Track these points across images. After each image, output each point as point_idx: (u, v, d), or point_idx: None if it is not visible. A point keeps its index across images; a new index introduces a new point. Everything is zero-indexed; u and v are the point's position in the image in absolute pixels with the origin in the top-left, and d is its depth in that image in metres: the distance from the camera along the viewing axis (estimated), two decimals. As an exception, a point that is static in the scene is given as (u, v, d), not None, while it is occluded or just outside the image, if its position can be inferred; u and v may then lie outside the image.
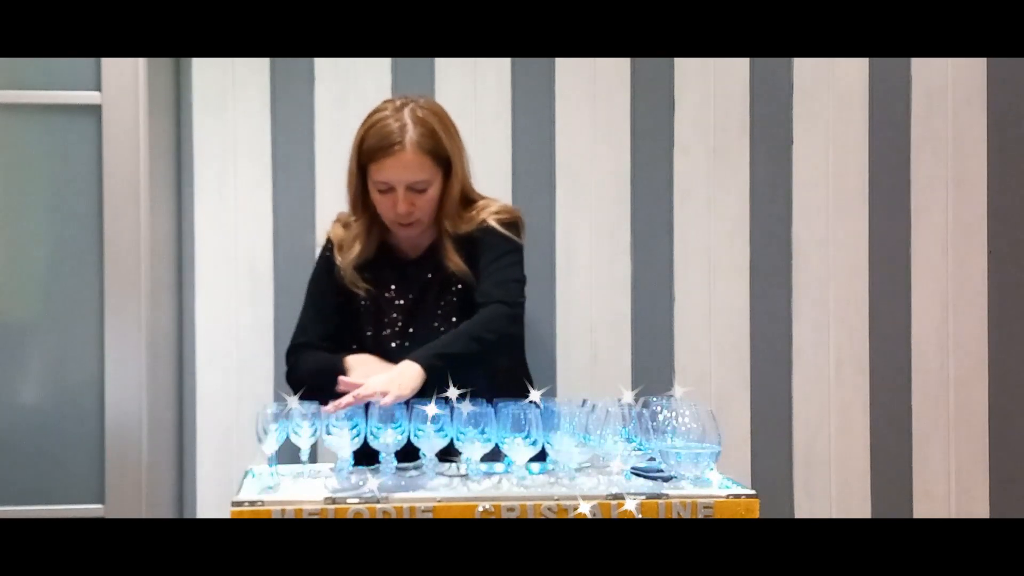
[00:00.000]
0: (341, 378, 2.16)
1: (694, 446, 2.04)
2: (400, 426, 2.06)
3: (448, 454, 2.11)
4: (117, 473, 2.65)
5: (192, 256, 2.92)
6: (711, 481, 2.05)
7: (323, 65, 2.93)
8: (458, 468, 2.12)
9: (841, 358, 3.02)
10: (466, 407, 2.03)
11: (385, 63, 2.93)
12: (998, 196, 3.03)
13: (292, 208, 2.94)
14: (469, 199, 2.49)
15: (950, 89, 3.02)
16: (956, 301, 3.03)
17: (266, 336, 2.94)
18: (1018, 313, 3.05)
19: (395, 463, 2.10)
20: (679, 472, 2.04)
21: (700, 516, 1.95)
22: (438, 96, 2.87)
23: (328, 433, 2.08)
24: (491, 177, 2.80)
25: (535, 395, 2.03)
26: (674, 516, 1.94)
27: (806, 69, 3.00)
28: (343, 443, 2.07)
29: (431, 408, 2.03)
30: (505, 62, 2.95)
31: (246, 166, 2.93)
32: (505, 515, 1.93)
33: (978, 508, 3.04)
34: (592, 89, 2.97)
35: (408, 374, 2.16)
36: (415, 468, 2.13)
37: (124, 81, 2.63)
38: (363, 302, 2.47)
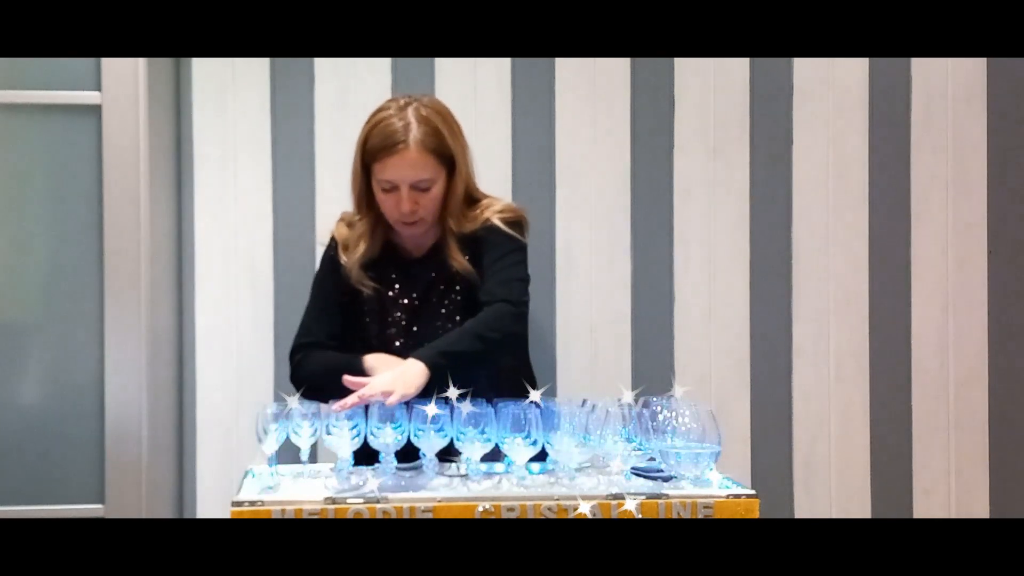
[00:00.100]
0: (346, 377, 2.17)
1: (694, 446, 2.04)
2: (400, 426, 2.06)
3: (448, 454, 2.11)
4: (117, 473, 2.65)
5: (192, 256, 2.92)
6: (711, 481, 2.05)
7: (323, 65, 2.93)
8: (458, 468, 2.12)
9: (841, 358, 3.02)
10: (466, 407, 2.02)
11: (385, 63, 2.93)
12: (998, 196, 3.03)
13: (292, 208, 2.94)
14: (473, 198, 2.49)
15: (950, 89, 3.02)
16: (956, 301, 3.03)
17: (266, 336, 2.94)
18: (1018, 313, 3.05)
19: (395, 463, 2.09)
20: (679, 472, 2.04)
21: (700, 516, 1.95)
22: (438, 96, 2.87)
23: (328, 433, 2.08)
24: (491, 177, 2.80)
25: (535, 395, 2.03)
26: (674, 516, 1.94)
27: (806, 69, 3.00)
28: (343, 443, 2.07)
29: (431, 408, 2.03)
30: (505, 62, 2.95)
31: (246, 166, 2.93)
32: (505, 515, 1.93)
33: (978, 508, 3.04)
34: (592, 89, 2.98)
35: (412, 372, 2.16)
36: (415, 468, 2.13)
37: (124, 81, 2.63)
38: (367, 301, 2.47)
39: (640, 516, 1.93)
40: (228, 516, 1.93)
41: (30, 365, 2.68)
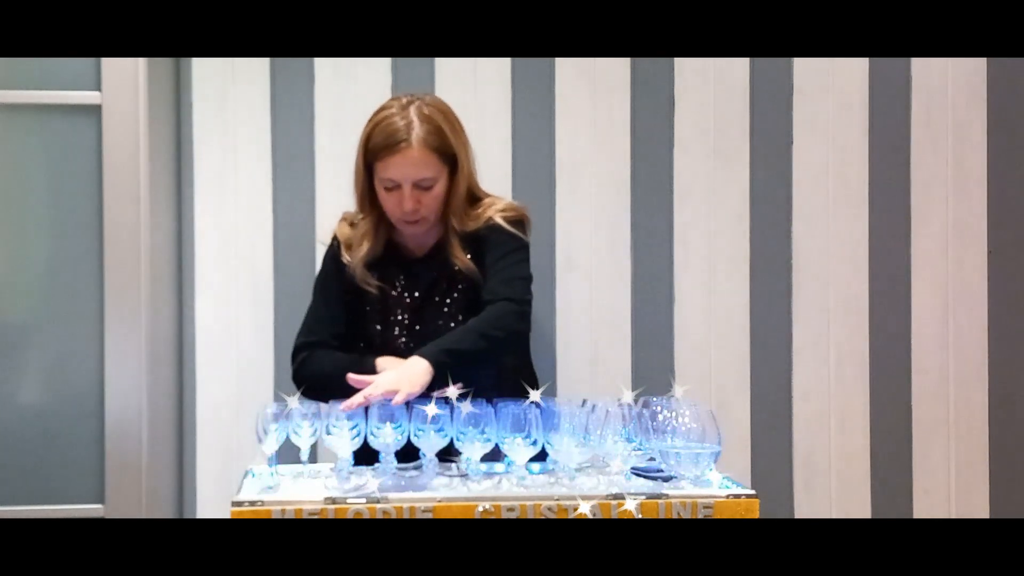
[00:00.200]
0: (351, 375, 2.17)
1: (694, 446, 2.04)
2: (400, 426, 2.06)
3: (448, 454, 2.11)
4: (117, 473, 2.65)
5: (192, 256, 2.92)
6: (711, 481, 2.05)
7: (323, 65, 2.93)
8: (458, 468, 2.12)
9: (841, 358, 3.02)
10: (466, 407, 2.02)
11: (385, 63, 2.93)
12: (998, 196, 3.03)
13: (292, 208, 2.94)
14: (475, 197, 2.49)
15: (950, 89, 3.02)
16: (956, 301, 3.03)
17: (266, 336, 2.94)
18: (1018, 313, 3.05)
19: (395, 463, 2.09)
20: (679, 472, 2.04)
21: (700, 516, 1.95)
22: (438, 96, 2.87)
23: (328, 433, 2.08)
24: (491, 177, 2.79)
25: (535, 395, 2.03)
26: (674, 516, 1.94)
27: (806, 69, 3.00)
28: (343, 443, 2.07)
29: (431, 408, 2.03)
30: (505, 62, 2.95)
31: (246, 166, 2.93)
32: (505, 515, 1.93)
33: (978, 508, 3.04)
34: (592, 89, 2.97)
35: (417, 370, 2.17)
36: (415, 468, 2.13)
37: (124, 81, 2.63)
38: (370, 300, 2.47)
39: (640, 516, 1.92)
40: (228, 516, 1.93)
41: (30, 365, 2.68)
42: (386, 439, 2.06)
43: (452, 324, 2.41)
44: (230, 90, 2.93)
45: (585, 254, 2.98)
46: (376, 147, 2.38)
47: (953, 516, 3.03)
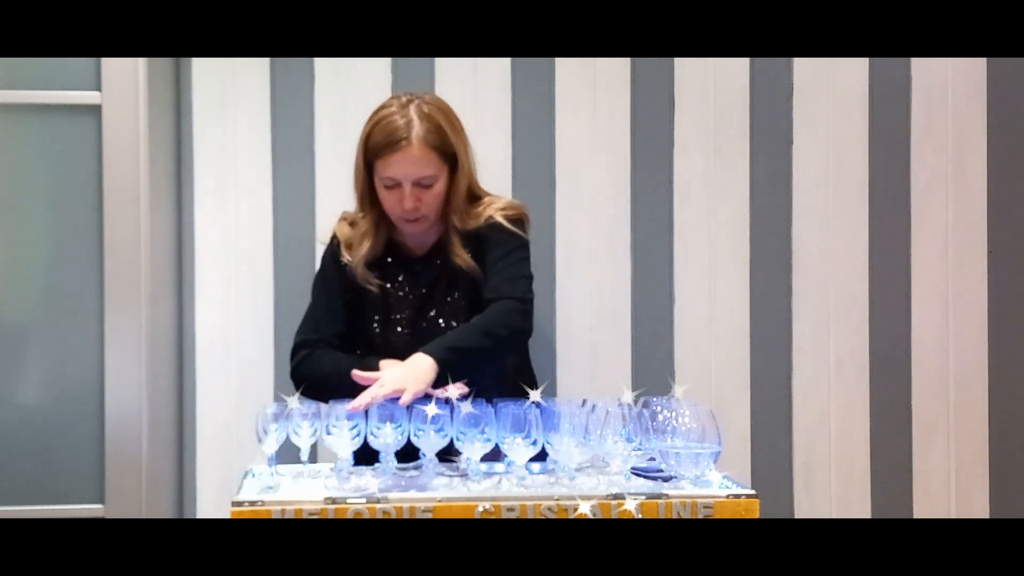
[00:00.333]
0: (355, 372, 2.17)
1: (694, 446, 2.04)
2: (400, 426, 2.06)
3: (448, 454, 2.11)
4: (117, 473, 2.65)
5: (192, 256, 2.92)
6: (711, 481, 2.05)
7: (323, 65, 2.93)
8: (458, 468, 2.12)
9: (841, 358, 3.02)
10: (466, 407, 2.02)
11: (385, 63, 2.93)
12: (998, 196, 3.03)
13: (292, 208, 2.94)
14: (475, 195, 2.50)
15: (950, 89, 3.02)
16: (956, 301, 3.03)
17: (266, 336, 2.94)
18: (1018, 313, 3.05)
19: (395, 463, 2.09)
20: (679, 472, 2.04)
21: (700, 516, 1.95)
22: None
23: (328, 433, 2.08)
24: (491, 177, 2.79)
25: (535, 395, 2.03)
26: (674, 516, 1.94)
27: (806, 69, 3.00)
28: (343, 443, 2.07)
29: (431, 408, 2.03)
30: (505, 62, 2.95)
31: (246, 166, 2.93)
32: (505, 515, 1.93)
33: (978, 508, 3.04)
34: (592, 89, 2.97)
35: (422, 367, 2.17)
36: (415, 468, 2.13)
37: (124, 81, 2.63)
38: (370, 299, 2.47)
39: (640, 516, 1.92)
40: (228, 516, 1.93)
41: (30, 365, 2.68)
42: (386, 439, 2.06)
43: (453, 323, 2.41)
44: (230, 90, 2.93)
45: (585, 254, 2.98)
46: (376, 146, 2.38)
47: (953, 516, 3.03)
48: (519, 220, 2.49)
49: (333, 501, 1.93)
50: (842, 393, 3.02)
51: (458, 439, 2.05)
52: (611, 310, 2.98)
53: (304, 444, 2.10)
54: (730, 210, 3.00)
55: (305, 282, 2.60)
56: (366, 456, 2.12)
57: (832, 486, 3.02)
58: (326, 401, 2.13)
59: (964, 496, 3.03)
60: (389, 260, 2.49)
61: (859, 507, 3.02)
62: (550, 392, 2.76)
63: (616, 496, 1.94)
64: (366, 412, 2.07)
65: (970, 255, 3.03)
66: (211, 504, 2.92)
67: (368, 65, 2.92)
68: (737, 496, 1.97)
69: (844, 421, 3.02)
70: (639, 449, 2.08)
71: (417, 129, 2.37)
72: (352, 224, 2.52)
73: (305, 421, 2.09)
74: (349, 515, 1.92)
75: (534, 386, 2.06)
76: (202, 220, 2.93)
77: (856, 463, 3.02)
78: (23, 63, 2.62)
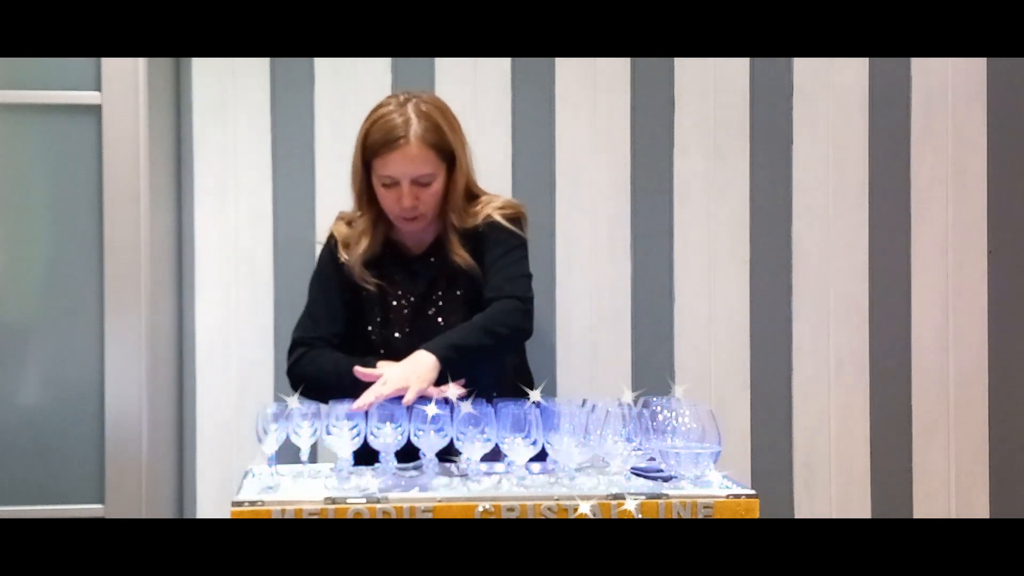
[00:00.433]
0: (357, 368, 2.17)
1: (694, 446, 2.04)
2: (400, 426, 2.06)
3: (448, 454, 2.11)
4: (117, 473, 2.65)
5: (192, 256, 2.92)
6: (711, 481, 2.05)
7: (323, 65, 2.93)
8: (458, 468, 2.12)
9: (841, 358, 3.02)
10: (466, 407, 2.02)
11: (385, 63, 2.93)
12: (998, 196, 3.03)
13: (292, 208, 2.94)
14: (473, 194, 2.50)
15: (950, 89, 3.02)
16: (956, 301, 3.03)
17: (266, 336, 2.94)
18: (1018, 313, 3.05)
19: (395, 463, 2.09)
20: (679, 472, 2.04)
21: (700, 516, 1.95)
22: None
23: (328, 433, 2.08)
24: (491, 177, 2.79)
25: (535, 395, 2.03)
26: (674, 516, 1.94)
27: (806, 69, 3.00)
28: (343, 443, 2.07)
29: (431, 408, 2.03)
30: (505, 62, 2.95)
31: (246, 166, 2.93)
32: (505, 515, 1.93)
33: (978, 508, 3.04)
34: (592, 89, 2.97)
35: (425, 365, 2.17)
36: (415, 468, 2.13)
37: (124, 81, 2.63)
38: (368, 298, 2.47)
39: (640, 516, 1.92)
40: (228, 516, 1.93)
41: (30, 365, 2.68)
42: (386, 439, 2.06)
43: (453, 321, 2.41)
44: (230, 90, 2.93)
45: (585, 254, 2.98)
46: (374, 144, 2.38)
47: (953, 516, 3.03)
48: (517, 219, 2.49)
49: (333, 501, 1.93)
50: (842, 393, 3.02)
51: (458, 439, 2.05)
52: (611, 310, 2.98)
53: (304, 444, 2.10)
54: (730, 210, 3.00)
55: (305, 282, 2.60)
56: (366, 456, 2.12)
57: (832, 486, 3.02)
58: (324, 401, 2.13)
59: (964, 496, 3.03)
60: (387, 259, 2.49)
61: (859, 507, 3.02)
62: (550, 392, 2.75)
63: (616, 496, 1.94)
64: (366, 412, 2.07)
65: (970, 255, 3.04)
66: (211, 504, 2.92)
67: (368, 65, 2.92)
68: (737, 496, 1.97)
69: (844, 421, 3.02)
70: (639, 449, 2.08)
71: (415, 127, 2.37)
72: (349, 223, 2.52)
73: (305, 421, 2.09)
74: (349, 515, 1.92)
75: (532, 386, 2.06)
76: (202, 220, 2.93)
77: (856, 463, 3.02)
78: (23, 63, 2.62)
